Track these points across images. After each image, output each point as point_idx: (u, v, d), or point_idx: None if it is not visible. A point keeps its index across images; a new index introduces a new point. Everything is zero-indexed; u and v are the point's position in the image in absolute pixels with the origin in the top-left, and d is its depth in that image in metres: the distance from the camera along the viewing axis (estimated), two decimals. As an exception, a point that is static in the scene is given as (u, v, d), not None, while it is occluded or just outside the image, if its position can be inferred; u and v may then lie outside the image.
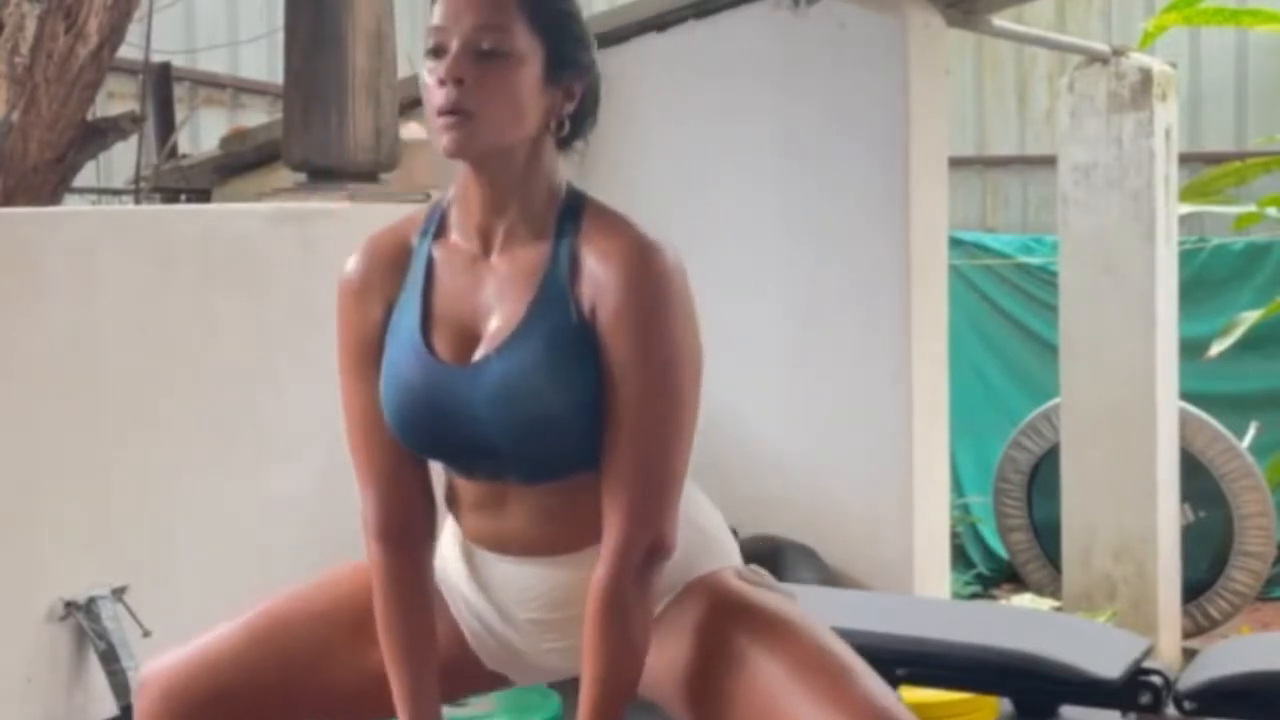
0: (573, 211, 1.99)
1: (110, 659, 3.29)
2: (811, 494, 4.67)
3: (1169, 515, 6.02)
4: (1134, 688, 2.87)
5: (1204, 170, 6.92)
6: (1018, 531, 6.94)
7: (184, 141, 6.25)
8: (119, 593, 3.35)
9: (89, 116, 4.28)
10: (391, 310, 2.04)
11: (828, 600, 3.52)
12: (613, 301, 1.91)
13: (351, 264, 2.09)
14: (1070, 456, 6.10)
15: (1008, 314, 7.75)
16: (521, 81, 1.93)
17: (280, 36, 4.44)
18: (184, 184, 5.43)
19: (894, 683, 3.02)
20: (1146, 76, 5.95)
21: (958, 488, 7.08)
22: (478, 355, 1.97)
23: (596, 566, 1.93)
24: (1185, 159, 6.81)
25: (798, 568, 4.44)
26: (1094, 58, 6.09)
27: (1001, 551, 7.25)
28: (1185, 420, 6.27)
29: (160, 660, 2.17)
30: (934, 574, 4.69)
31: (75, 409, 3.35)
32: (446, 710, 2.11)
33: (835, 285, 4.66)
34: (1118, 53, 6.05)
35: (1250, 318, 5.82)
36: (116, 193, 6.14)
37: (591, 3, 8.77)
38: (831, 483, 4.66)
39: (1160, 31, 5.61)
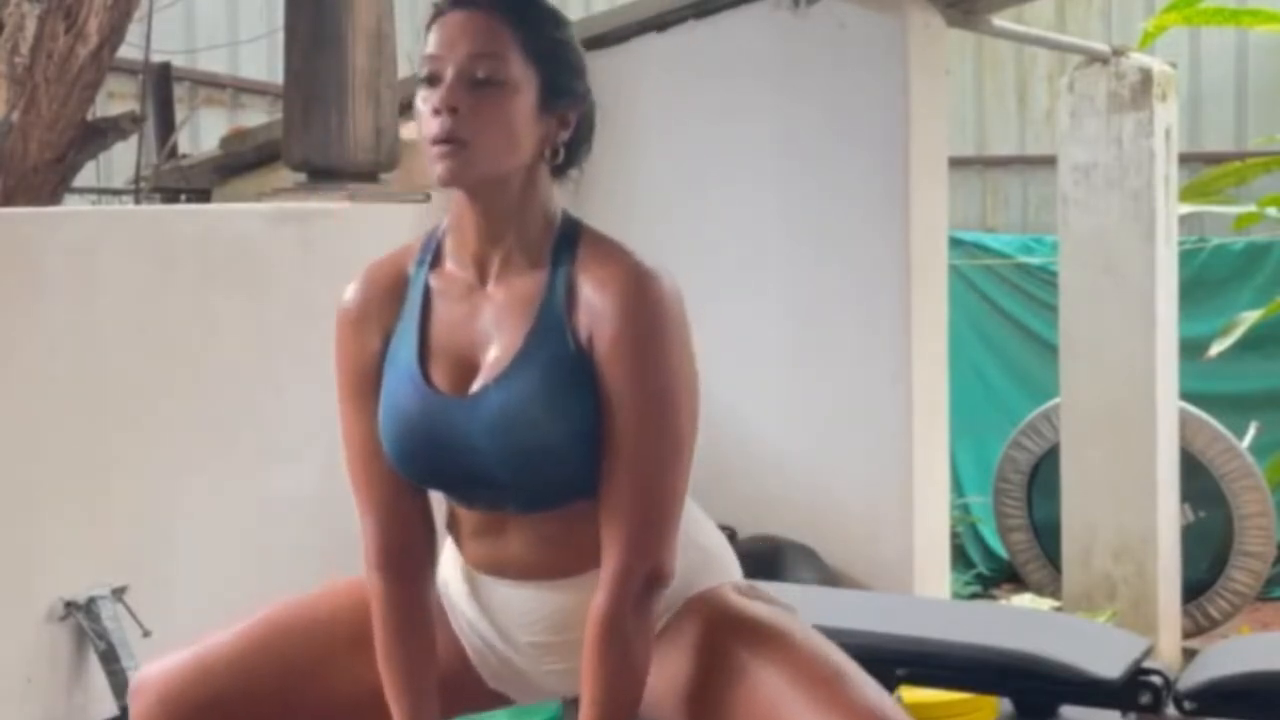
0: (569, 239, 1.99)
1: (110, 659, 3.29)
2: (811, 494, 4.67)
3: (1169, 515, 6.02)
4: (1134, 688, 2.86)
5: (1204, 170, 6.93)
6: (1018, 531, 6.94)
7: (184, 141, 6.25)
8: (119, 593, 3.35)
9: (89, 116, 4.28)
10: (389, 340, 2.04)
11: (828, 600, 3.52)
12: (610, 330, 1.91)
13: (349, 293, 2.09)
14: (1070, 456, 6.10)
15: (1008, 314, 7.75)
16: (516, 110, 1.93)
17: (280, 36, 4.44)
18: (184, 184, 5.43)
19: (894, 683, 3.02)
20: (1146, 76, 5.95)
21: (958, 488, 7.08)
22: (475, 386, 1.97)
23: (596, 593, 1.94)
24: (1185, 159, 6.81)
25: (798, 568, 4.44)
26: (1094, 58, 6.09)
27: (1001, 551, 7.25)
28: (1185, 420, 6.27)
29: (156, 664, 2.16)
30: (934, 574, 4.69)
31: (75, 409, 3.35)
32: None
33: (835, 285, 4.66)
34: (1118, 53, 6.05)
35: (1250, 318, 5.83)
36: (116, 193, 6.14)
37: (591, 3, 8.78)
38: (831, 483, 4.66)
39: (1160, 31, 5.61)
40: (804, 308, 4.71)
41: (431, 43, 1.96)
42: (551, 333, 1.94)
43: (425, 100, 1.94)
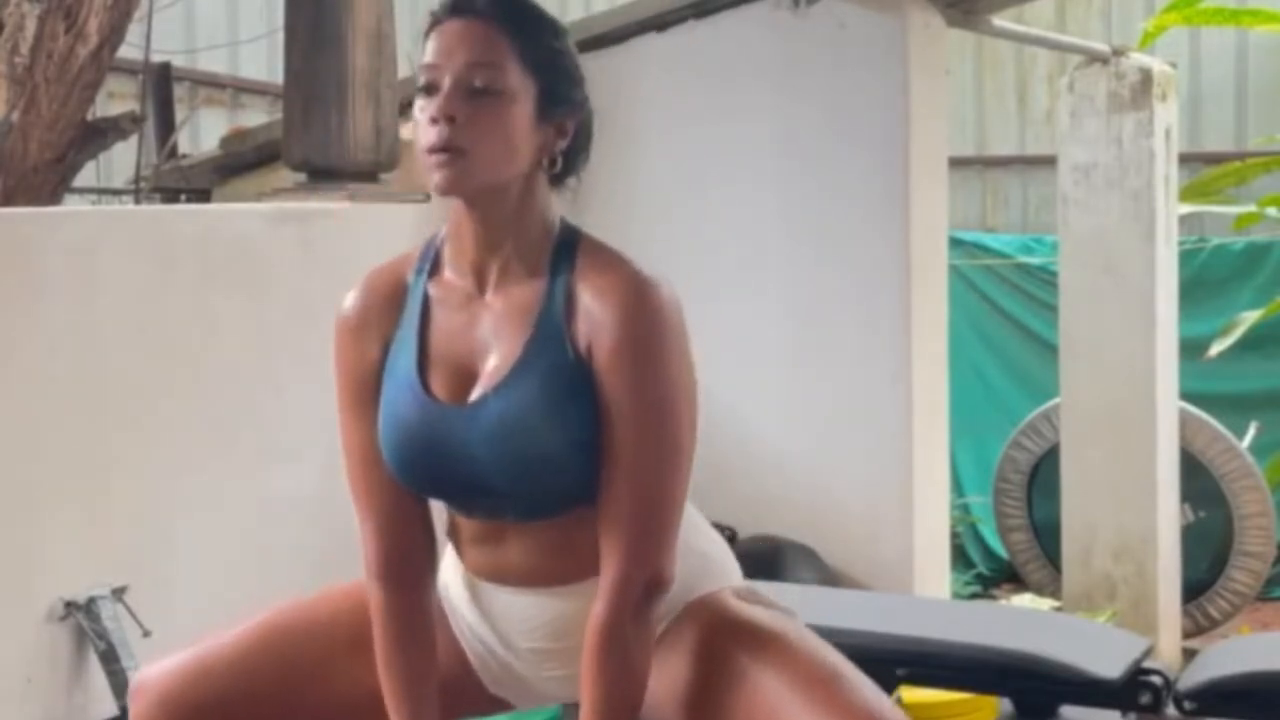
0: (567, 248, 1.98)
1: (110, 659, 3.29)
2: (811, 494, 4.67)
3: (1169, 515, 6.02)
4: (1134, 688, 2.87)
5: (1204, 170, 6.92)
6: (1018, 531, 6.94)
7: (184, 141, 6.25)
8: (119, 593, 3.35)
9: (89, 116, 4.28)
10: (388, 348, 2.04)
11: (828, 600, 3.52)
12: (609, 339, 1.91)
13: (348, 301, 2.09)
14: (1070, 456, 6.10)
15: (1008, 314, 7.75)
16: (514, 119, 1.93)
17: (280, 36, 4.44)
18: (184, 184, 5.43)
19: (894, 683, 3.02)
20: (1146, 76, 5.95)
21: (958, 488, 7.08)
22: (475, 395, 1.97)
23: (595, 601, 1.94)
24: (1185, 159, 6.81)
25: (798, 568, 4.44)
26: (1094, 58, 6.09)
27: (1001, 551, 7.25)
28: (1185, 420, 6.27)
29: (156, 665, 2.16)
30: (934, 574, 4.69)
31: (75, 409, 3.35)
32: None
33: (835, 285, 4.66)
34: (1118, 53, 6.05)
35: (1250, 318, 5.82)
36: (116, 193, 6.14)
37: (591, 3, 8.78)
38: (831, 483, 4.66)
39: (1160, 31, 5.61)
40: (804, 307, 4.71)
41: (429, 51, 1.95)
42: (550, 341, 1.94)
43: (423, 109, 1.94)
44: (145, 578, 3.41)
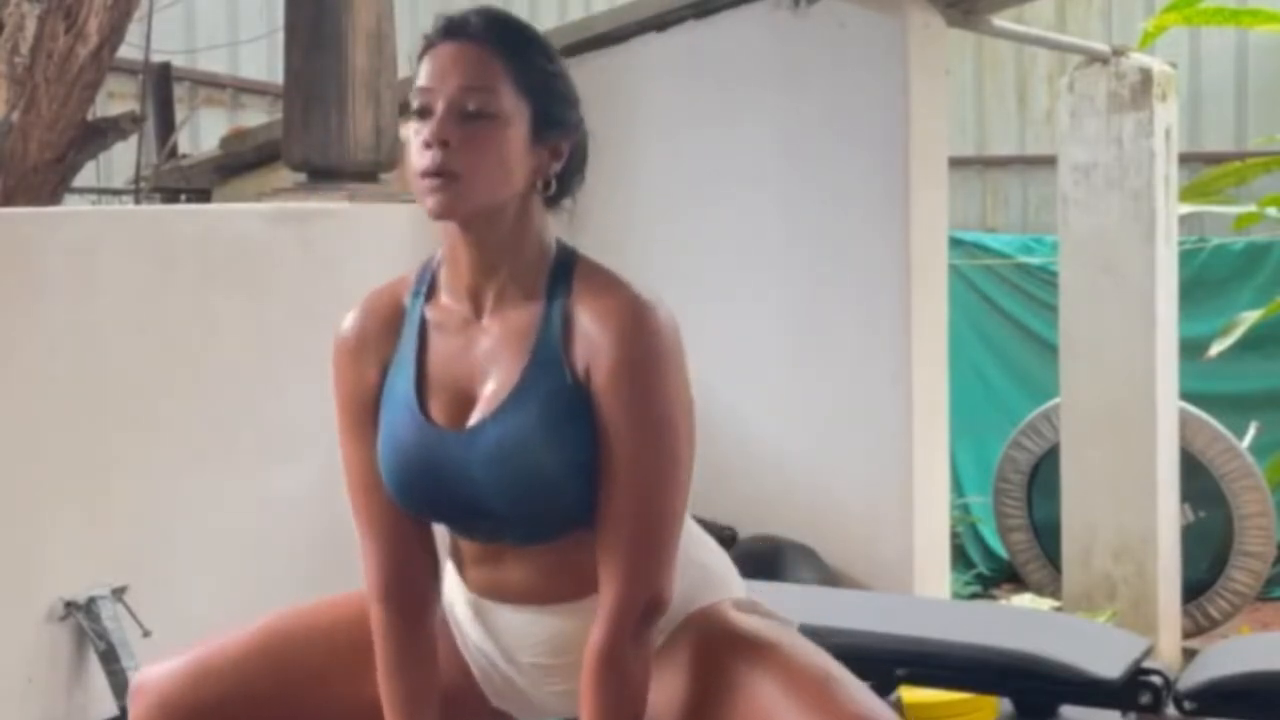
0: (563, 270, 1.98)
1: (110, 659, 3.29)
2: (811, 494, 4.67)
3: (1169, 515, 6.02)
4: (1134, 688, 2.87)
5: (1204, 170, 6.92)
6: (1018, 531, 6.94)
7: (184, 141, 6.25)
8: (119, 593, 3.35)
9: (89, 116, 4.28)
10: (386, 370, 2.04)
11: (828, 600, 3.52)
12: (607, 363, 1.91)
13: (347, 323, 2.08)
14: (1070, 456, 6.10)
15: (1008, 314, 7.75)
16: (508, 143, 1.92)
17: (280, 36, 4.44)
18: (184, 184, 5.44)
19: (894, 683, 3.02)
20: (1146, 76, 5.95)
21: (958, 488, 7.08)
22: (473, 420, 1.97)
23: (594, 623, 1.94)
24: (1185, 159, 6.81)
25: (798, 568, 4.44)
26: (1094, 58, 6.09)
27: (1001, 551, 7.25)
28: (1185, 420, 6.27)
29: (156, 666, 2.16)
30: (934, 574, 4.69)
31: (75, 409, 3.35)
32: None
33: (835, 285, 4.65)
34: (1118, 53, 6.05)
35: (1250, 318, 5.82)
36: (116, 193, 6.15)
37: (591, 3, 8.78)
38: (831, 483, 4.66)
39: (1160, 31, 5.61)
40: (804, 307, 4.71)
41: (422, 74, 1.95)
42: (548, 366, 1.94)
43: (416, 132, 1.93)
44: (145, 578, 3.41)
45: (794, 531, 4.58)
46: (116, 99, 6.56)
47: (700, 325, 4.85)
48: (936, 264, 4.75)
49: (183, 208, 5.20)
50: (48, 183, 4.12)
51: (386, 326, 2.05)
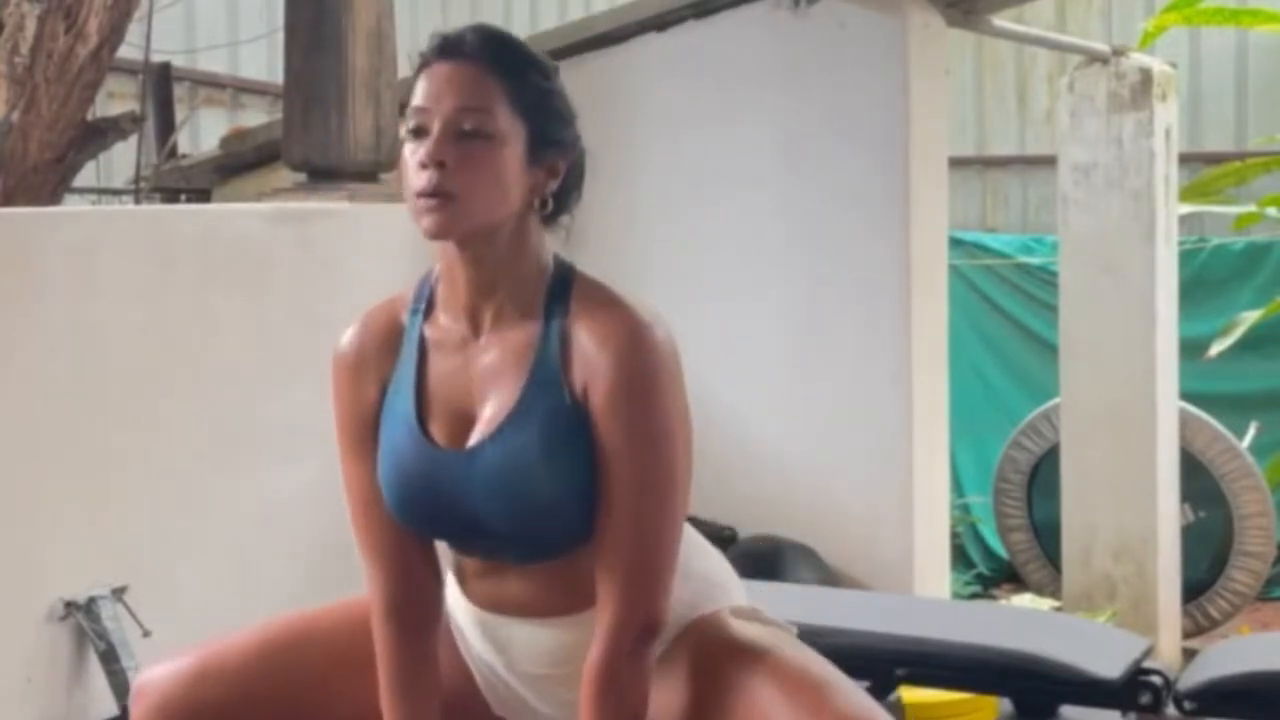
0: (561, 288, 1.98)
1: (110, 659, 3.29)
2: (811, 494, 4.67)
3: (1169, 515, 6.02)
4: (1134, 688, 2.87)
5: (1204, 170, 6.92)
6: (1018, 531, 6.94)
7: (184, 141, 6.25)
8: (119, 593, 3.35)
9: (89, 116, 4.28)
10: (386, 388, 2.04)
11: (828, 600, 3.52)
12: (605, 383, 1.91)
13: (346, 339, 2.08)
14: (1070, 456, 6.10)
15: (1008, 314, 7.75)
16: (504, 162, 1.92)
17: (280, 36, 4.44)
18: (184, 184, 5.44)
19: (894, 683, 3.02)
20: (1146, 76, 5.95)
21: (958, 488, 7.08)
22: (473, 440, 1.97)
23: (592, 642, 1.95)
24: (1185, 159, 6.81)
25: (798, 568, 4.44)
26: (1094, 58, 6.09)
27: (1001, 551, 7.25)
28: (1185, 420, 6.27)
29: (157, 668, 2.16)
30: (934, 574, 4.69)
31: (75, 409, 3.35)
32: None
33: (835, 285, 4.65)
34: (1118, 53, 6.05)
35: (1250, 318, 5.82)
36: (116, 193, 6.15)
37: (591, 3, 8.78)
38: (831, 483, 4.66)
39: (1160, 31, 5.61)
40: (803, 307, 4.71)
41: (418, 94, 1.94)
42: (547, 386, 1.93)
43: (412, 152, 1.93)
44: (145, 578, 3.41)
45: (794, 531, 4.58)
46: (116, 99, 6.56)
47: (700, 325, 4.87)
48: (936, 264, 4.75)
49: (183, 208, 5.20)
50: (48, 183, 4.12)
51: (385, 344, 2.05)
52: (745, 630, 2.05)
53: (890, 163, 4.57)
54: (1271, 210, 5.84)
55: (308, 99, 4.23)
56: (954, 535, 5.67)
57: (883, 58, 4.58)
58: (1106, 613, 5.69)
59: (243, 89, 7.97)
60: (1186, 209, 6.13)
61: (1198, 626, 6.49)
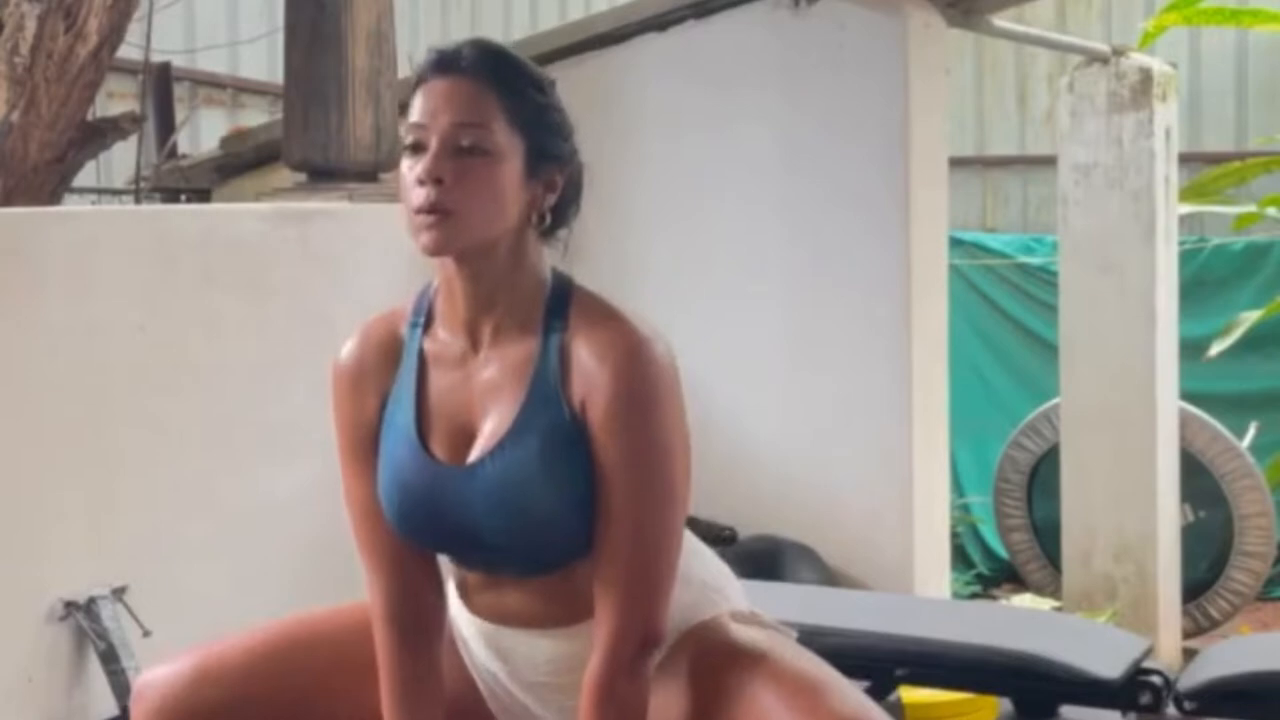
0: (560, 302, 1.98)
1: (110, 659, 3.29)
2: (811, 494, 4.67)
3: (1169, 515, 6.02)
4: (1134, 688, 2.87)
5: (1204, 170, 6.92)
6: (1018, 531, 6.94)
7: (184, 141, 6.25)
8: (119, 593, 3.35)
9: (89, 116, 4.28)
10: (386, 400, 2.04)
11: (828, 600, 3.52)
12: (604, 399, 1.91)
13: (346, 351, 2.09)
14: (1070, 457, 6.10)
15: (1008, 314, 7.75)
16: (502, 178, 1.93)
17: (280, 36, 4.44)
18: (184, 184, 5.44)
19: (894, 683, 3.02)
20: (1146, 76, 5.95)
21: (958, 488, 7.08)
22: (473, 456, 1.98)
23: (591, 655, 1.95)
24: (1185, 159, 6.81)
25: (798, 568, 4.44)
26: (1094, 58, 6.09)
27: (1001, 551, 7.25)
28: (1185, 420, 6.27)
29: (158, 670, 2.16)
30: (934, 574, 4.69)
31: (75, 409, 3.35)
32: None
33: (835, 284, 4.65)
34: (1118, 53, 6.05)
35: (1250, 318, 5.82)
36: (116, 193, 6.14)
37: (591, 3, 8.78)
38: (831, 483, 4.66)
39: (1160, 31, 5.61)
40: (803, 307, 4.71)
41: (415, 110, 1.95)
42: (546, 401, 1.94)
43: (410, 169, 1.94)
44: (145, 578, 3.41)
45: (794, 531, 4.58)
46: (116, 99, 6.56)
47: (700, 325, 4.87)
48: (937, 264, 4.75)
49: (183, 208, 5.20)
50: (48, 183, 4.12)
51: (385, 357, 2.05)
52: (744, 634, 2.05)
53: (890, 163, 4.57)
54: (1271, 210, 5.84)
55: (308, 99, 4.23)
56: (954, 535, 5.67)
57: (883, 58, 4.58)
58: (1106, 613, 5.69)
59: (243, 89, 7.97)
60: (1186, 209, 6.14)
61: (1198, 626, 6.49)
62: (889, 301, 4.57)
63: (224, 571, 3.60)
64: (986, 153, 8.84)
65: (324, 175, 4.24)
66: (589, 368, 1.92)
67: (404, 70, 4.44)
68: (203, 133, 7.23)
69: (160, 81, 5.86)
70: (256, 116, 7.26)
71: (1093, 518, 6.01)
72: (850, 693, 1.97)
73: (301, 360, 3.69)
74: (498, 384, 1.98)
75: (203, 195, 5.40)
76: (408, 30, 4.66)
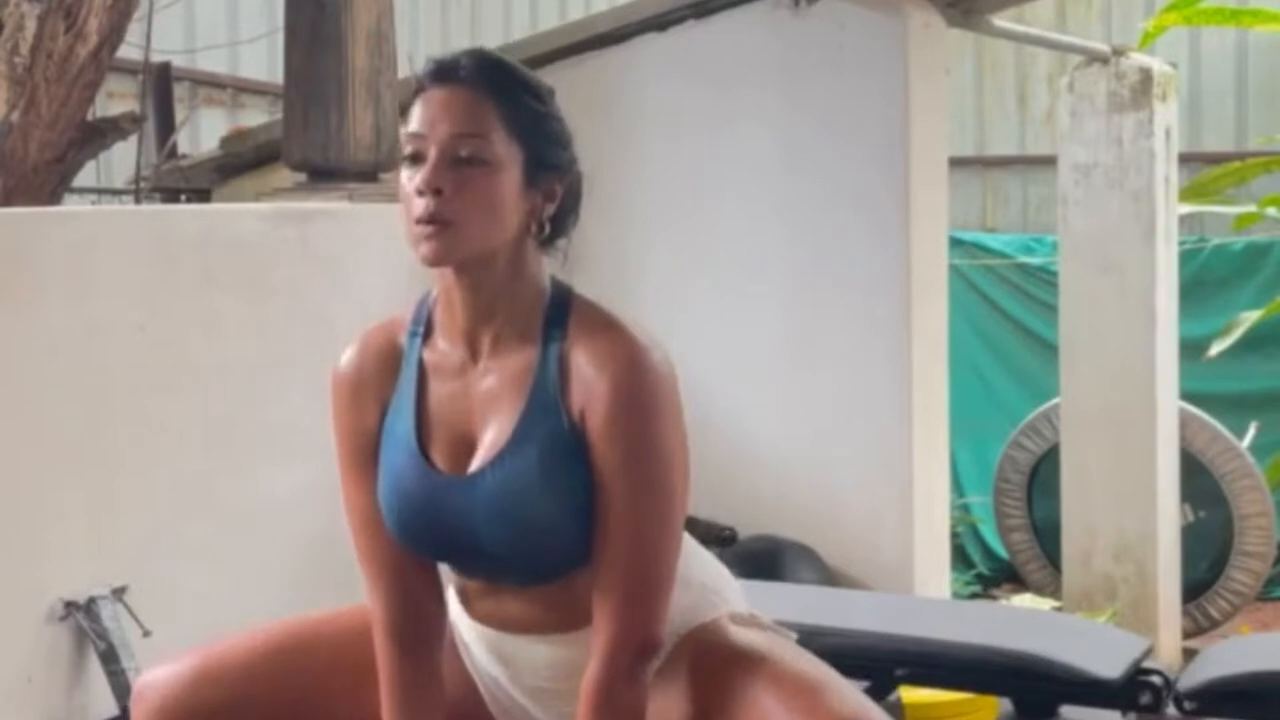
0: (559, 311, 1.98)
1: (110, 659, 3.29)
2: (811, 494, 4.67)
3: (1169, 515, 6.02)
4: (1134, 688, 2.87)
5: (1204, 170, 6.92)
6: (1018, 531, 6.94)
7: (184, 141, 6.25)
8: (119, 593, 3.35)
9: (89, 116, 4.28)
10: (385, 410, 2.04)
11: (828, 600, 3.52)
12: (603, 407, 1.91)
13: (345, 359, 2.09)
14: (1070, 456, 6.10)
15: (1008, 314, 7.75)
16: (501, 188, 1.93)
17: (280, 36, 4.44)
18: (184, 184, 5.44)
19: (894, 683, 3.02)
20: (1146, 76, 5.95)
21: (958, 488, 7.08)
22: (473, 466, 1.98)
23: (589, 662, 1.95)
24: (1185, 159, 6.81)
25: (798, 568, 4.44)
26: (1094, 58, 6.09)
27: (1001, 551, 7.25)
28: (1185, 420, 6.27)
29: (158, 670, 2.16)
30: (934, 574, 4.69)
31: (75, 409, 3.35)
32: None
33: (835, 285, 4.65)
34: (1118, 53, 6.05)
35: (1250, 318, 5.83)
36: (116, 193, 6.14)
37: (591, 3, 8.77)
38: (831, 483, 4.66)
39: (1160, 31, 5.61)
40: (803, 307, 4.71)
41: (414, 120, 1.95)
42: (545, 411, 1.94)
43: (409, 179, 1.94)
44: (145, 578, 3.41)
45: (794, 531, 4.58)
46: (116, 99, 6.56)
47: (700, 325, 4.87)
48: (937, 264, 4.75)
49: (183, 208, 5.20)
50: (48, 183, 4.12)
51: (385, 366, 2.06)
52: (744, 636, 2.06)
53: (890, 163, 4.57)
54: (1271, 210, 5.84)
55: (308, 99, 4.23)
56: (954, 535, 5.67)
57: (883, 58, 4.58)
58: (1106, 613, 5.69)
59: (243, 89, 7.97)
60: (1186, 209, 6.14)
61: (1198, 626, 6.49)
62: (889, 301, 4.57)
63: (224, 571, 3.60)
64: (986, 153, 8.84)
65: (324, 175, 4.24)
66: (588, 377, 1.92)
67: (404, 70, 4.44)
68: (203, 133, 7.22)
69: (160, 81, 5.86)
70: (256, 116, 7.26)
71: (1093, 518, 6.01)
72: (850, 693, 1.97)
73: (301, 360, 3.69)
74: (497, 394, 1.98)
75: (203, 195, 5.40)
76: (408, 30, 4.66)
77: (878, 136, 4.59)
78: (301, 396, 3.71)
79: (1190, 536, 6.33)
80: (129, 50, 4.66)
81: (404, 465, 2.01)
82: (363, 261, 3.98)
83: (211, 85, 7.83)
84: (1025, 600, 6.07)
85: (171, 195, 5.42)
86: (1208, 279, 7.27)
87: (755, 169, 4.76)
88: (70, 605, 3.29)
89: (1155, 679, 2.87)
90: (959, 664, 2.97)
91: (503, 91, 1.95)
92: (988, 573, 7.45)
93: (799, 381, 4.72)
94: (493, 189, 1.92)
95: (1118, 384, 5.91)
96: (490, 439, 1.97)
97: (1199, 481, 6.44)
